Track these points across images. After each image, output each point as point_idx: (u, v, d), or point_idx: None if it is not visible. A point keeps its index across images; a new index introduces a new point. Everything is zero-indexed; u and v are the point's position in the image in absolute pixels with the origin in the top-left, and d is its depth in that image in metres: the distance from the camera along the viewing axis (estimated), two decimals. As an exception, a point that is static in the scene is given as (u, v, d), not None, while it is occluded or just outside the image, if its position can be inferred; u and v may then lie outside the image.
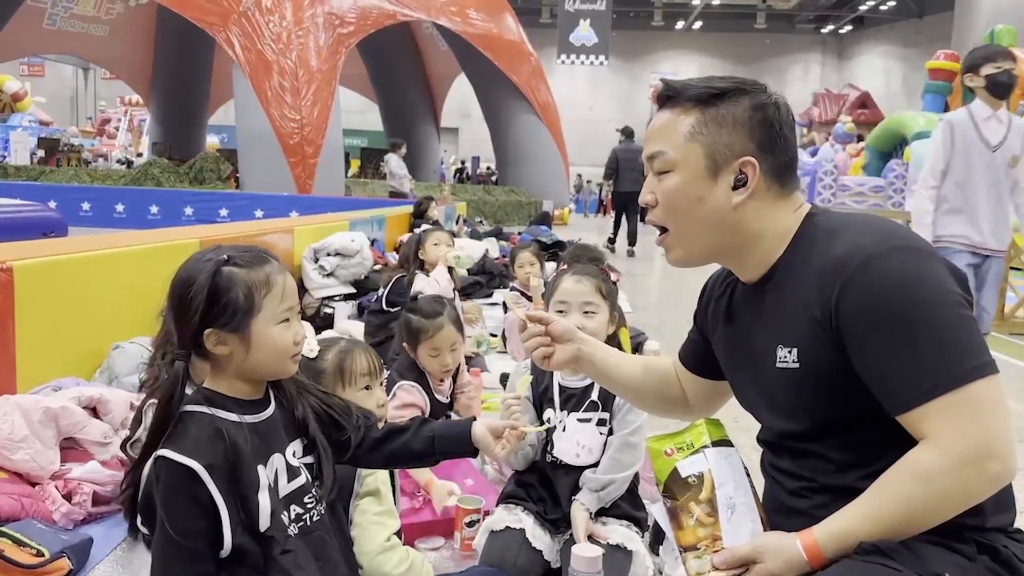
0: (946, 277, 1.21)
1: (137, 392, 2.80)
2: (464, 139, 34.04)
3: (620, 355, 1.72)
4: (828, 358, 1.25)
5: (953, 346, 1.16)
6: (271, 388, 1.46)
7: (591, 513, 1.99)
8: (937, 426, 1.15)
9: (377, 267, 5.75)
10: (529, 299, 4.16)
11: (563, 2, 23.39)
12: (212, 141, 22.43)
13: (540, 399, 2.15)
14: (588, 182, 27.14)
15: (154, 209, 12.77)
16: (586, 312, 2.09)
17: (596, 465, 2.05)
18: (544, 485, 2.10)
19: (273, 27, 13.24)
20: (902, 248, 1.22)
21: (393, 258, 6.47)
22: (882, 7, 31.16)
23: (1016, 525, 1.26)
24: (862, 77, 31.89)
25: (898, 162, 13.55)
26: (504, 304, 4.93)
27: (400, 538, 1.79)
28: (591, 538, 1.93)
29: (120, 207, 12.82)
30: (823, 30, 35.10)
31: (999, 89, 3.97)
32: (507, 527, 2.00)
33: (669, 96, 1.39)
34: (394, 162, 13.05)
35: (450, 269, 4.36)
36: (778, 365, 1.33)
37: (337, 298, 5.15)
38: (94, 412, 2.55)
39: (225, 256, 1.37)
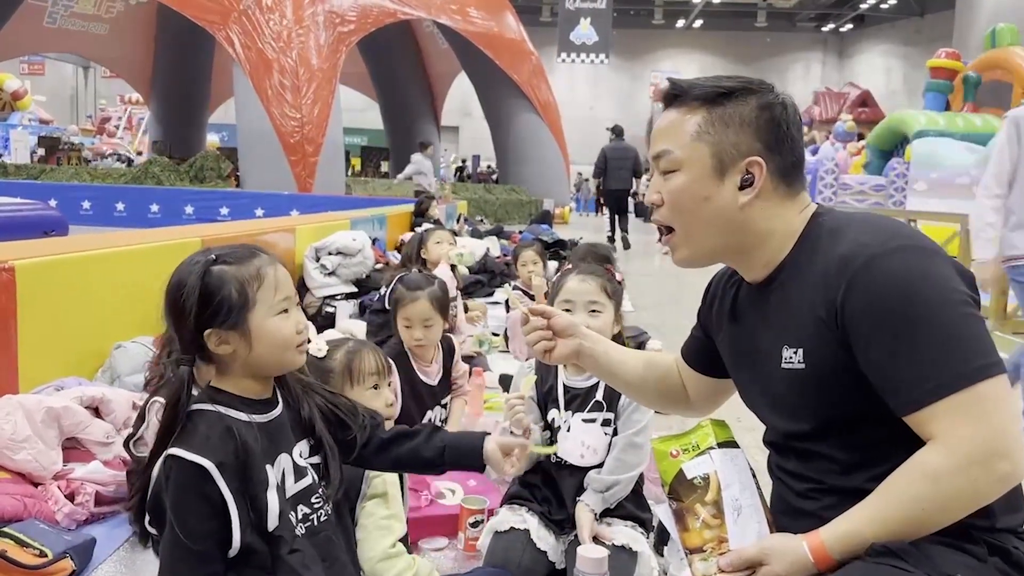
0: (952, 275, 1.20)
1: (141, 391, 2.80)
2: (464, 138, 34.01)
3: (622, 350, 1.71)
4: (834, 358, 1.25)
5: (959, 345, 1.16)
6: (277, 388, 1.46)
7: (596, 514, 1.98)
8: (944, 426, 1.15)
9: (378, 266, 5.75)
10: (532, 298, 4.19)
11: (563, 0, 23.36)
12: (212, 140, 22.41)
13: (544, 399, 2.15)
14: (586, 180, 27.11)
15: (155, 208, 12.76)
16: (592, 311, 2.09)
17: (601, 466, 2.05)
18: (548, 485, 2.09)
19: (273, 25, 13.23)
20: (907, 247, 1.21)
21: (394, 257, 6.47)
22: (883, 5, 31.12)
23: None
24: (863, 75, 31.86)
25: (899, 161, 13.52)
26: (507, 303, 4.92)
27: (407, 541, 1.78)
28: (596, 539, 1.93)
29: (121, 206, 12.81)
30: (824, 28, 35.07)
31: None
32: (511, 528, 1.99)
33: (676, 95, 1.39)
34: (419, 161, 13.10)
35: (452, 267, 4.36)
36: (783, 365, 1.32)
37: (339, 297, 5.14)
38: (96, 412, 2.55)
39: (213, 256, 1.37)
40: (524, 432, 2.04)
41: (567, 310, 2.08)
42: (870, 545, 1.16)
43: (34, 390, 2.63)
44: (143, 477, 1.33)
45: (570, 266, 2.24)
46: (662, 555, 2.05)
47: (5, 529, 1.97)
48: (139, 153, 22.84)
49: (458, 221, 10.75)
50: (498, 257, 7.71)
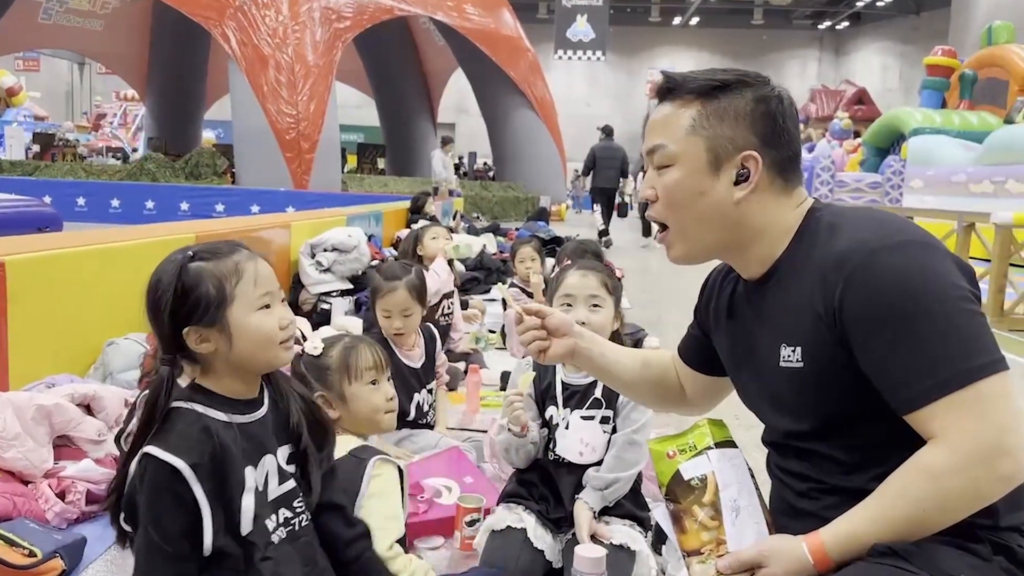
0: (952, 271, 1.18)
1: (135, 388, 2.77)
2: (461, 135, 33.88)
3: (618, 349, 1.69)
4: (833, 356, 1.22)
5: (961, 342, 1.14)
6: (266, 388, 1.43)
7: (595, 512, 1.96)
8: (946, 425, 1.12)
9: (374, 263, 5.72)
10: (529, 295, 4.16)
11: (560, -3, 23.35)
12: (208, 136, 22.32)
13: (542, 396, 2.13)
14: (580, 176, 27.05)
15: (150, 204, 12.72)
16: (592, 306, 2.07)
17: (599, 464, 2.03)
18: (546, 484, 2.07)
19: (269, 22, 13.18)
20: (906, 242, 1.19)
21: (390, 254, 6.44)
22: (879, 3, 31.14)
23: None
24: (859, 73, 31.89)
25: (895, 158, 13.53)
26: (503, 301, 4.90)
27: (404, 541, 1.76)
28: (594, 538, 1.91)
29: (116, 202, 12.76)
30: (820, 26, 35.08)
31: None
32: (508, 526, 1.98)
33: (670, 88, 1.36)
34: (438, 159, 13.09)
35: (450, 262, 4.34)
36: (782, 364, 1.30)
37: (334, 294, 5.12)
38: (88, 409, 2.52)
39: (190, 253, 1.35)
40: (522, 429, 2.02)
41: (567, 305, 2.06)
42: (872, 545, 1.14)
43: (25, 387, 2.60)
44: (120, 474, 1.31)
45: (568, 262, 2.21)
46: (660, 554, 2.03)
47: (-6, 528, 1.95)
48: (134, 150, 22.75)
49: (454, 218, 10.73)
50: (495, 254, 7.69)
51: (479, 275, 6.87)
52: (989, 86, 13.67)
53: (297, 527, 1.40)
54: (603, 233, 12.49)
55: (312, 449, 1.44)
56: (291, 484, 1.41)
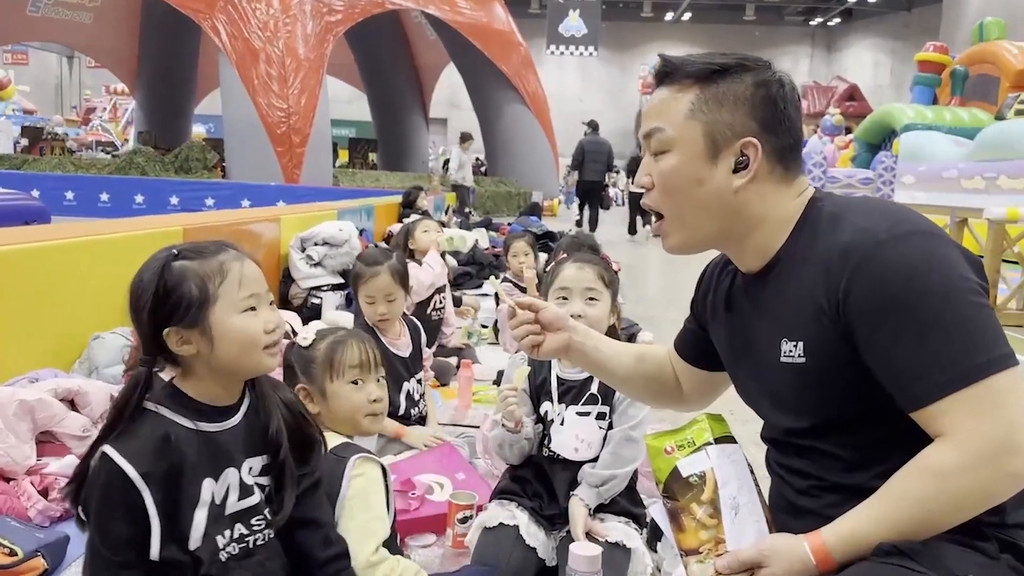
0: (959, 262, 1.14)
1: (120, 383, 2.72)
2: (453, 129, 33.84)
3: (613, 343, 1.65)
4: (836, 351, 1.18)
5: (969, 337, 1.10)
6: (250, 394, 1.39)
7: (590, 509, 1.93)
8: (954, 422, 1.09)
9: (365, 257, 5.67)
10: (522, 290, 4.13)
11: (553, -8, 23.30)
12: (199, 131, 22.20)
13: (537, 392, 2.09)
14: (571, 172, 26.99)
15: (139, 198, 12.63)
16: (589, 299, 2.03)
17: (595, 460, 2.00)
18: (540, 480, 2.04)
19: (260, 15, 13.10)
20: (912, 233, 1.15)
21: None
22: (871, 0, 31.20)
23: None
24: (850, 70, 31.93)
25: (887, 154, 13.52)
26: (496, 295, 4.87)
27: (396, 539, 1.70)
28: (589, 535, 1.88)
29: (105, 196, 12.67)
30: (812, 22, 35.11)
31: None
32: (500, 523, 1.94)
33: (667, 72, 1.31)
34: (456, 156, 13.05)
35: (442, 255, 4.30)
36: (783, 359, 1.26)
37: (325, 288, 5.07)
38: (72, 405, 2.48)
39: (175, 251, 1.31)
40: (516, 424, 1.98)
41: (563, 298, 2.03)
42: (878, 545, 1.11)
43: (7, 382, 2.56)
44: (83, 465, 1.26)
45: (564, 255, 2.17)
46: (656, 551, 2.00)
47: (-26, 527, 1.91)
48: (124, 142, 22.61)
49: (447, 213, 10.70)
50: (487, 249, 7.66)
51: (471, 270, 6.83)
52: (980, 82, 13.67)
53: (252, 545, 1.35)
54: (578, 223, 12.80)
55: (291, 463, 1.39)
56: (253, 500, 1.36)
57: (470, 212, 8.19)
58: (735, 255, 1.38)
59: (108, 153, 19.44)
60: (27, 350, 2.80)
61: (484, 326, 4.88)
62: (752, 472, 1.36)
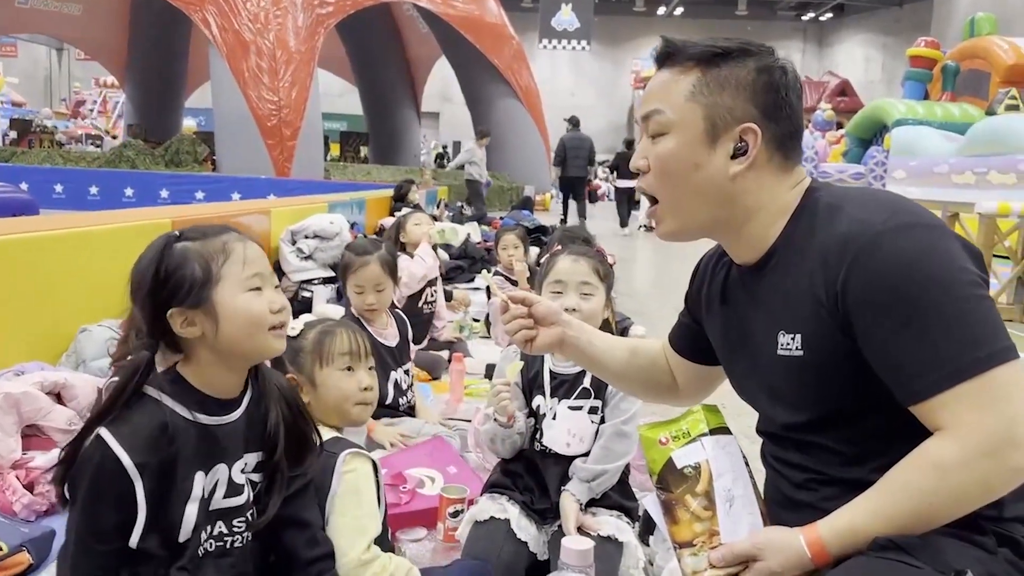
0: (959, 254, 1.12)
1: (107, 376, 2.69)
2: (444, 123, 33.80)
3: (607, 338, 1.62)
4: (834, 344, 1.16)
5: (970, 329, 1.08)
6: (252, 388, 1.36)
7: (581, 504, 1.92)
8: (954, 416, 1.07)
9: (356, 250, 5.64)
10: (513, 283, 4.11)
11: (545, -14, 23.23)
12: (189, 124, 22.09)
13: (530, 385, 2.07)
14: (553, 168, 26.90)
15: (129, 192, 12.55)
16: (583, 293, 2.01)
17: (586, 455, 1.98)
18: (531, 474, 2.02)
19: (251, 7, 13.03)
20: (911, 224, 1.13)
21: (373, 242, 6.36)
22: (863, -6, 31.23)
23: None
24: (842, 65, 31.99)
25: (878, 149, 13.55)
26: (487, 289, 4.85)
27: (387, 534, 1.68)
28: (580, 529, 1.86)
29: (94, 189, 12.60)
30: (804, 17, 35.13)
31: None
32: (491, 517, 1.93)
33: (669, 54, 1.29)
34: (472, 150, 12.98)
35: (433, 248, 4.28)
36: (780, 352, 1.24)
37: (316, 282, 5.04)
38: (58, 398, 2.44)
39: (176, 233, 1.29)
40: (508, 419, 1.96)
41: (557, 292, 2.01)
42: (874, 538, 1.09)
43: (-7, 375, 2.52)
44: (74, 445, 1.24)
45: (559, 247, 2.14)
46: (647, 545, 1.99)
47: (-42, 521, 1.88)
48: (113, 137, 22.47)
49: (438, 206, 10.67)
50: (479, 243, 7.64)
51: (463, 264, 6.81)
52: (971, 77, 13.71)
53: (228, 545, 1.33)
54: (563, 222, 12.83)
55: (284, 464, 1.37)
56: (239, 500, 1.33)
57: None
58: (730, 246, 1.36)
59: (97, 147, 19.31)
60: (13, 343, 2.77)
61: (476, 320, 4.86)
62: (747, 463, 1.34)
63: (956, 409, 1.07)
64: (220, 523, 1.31)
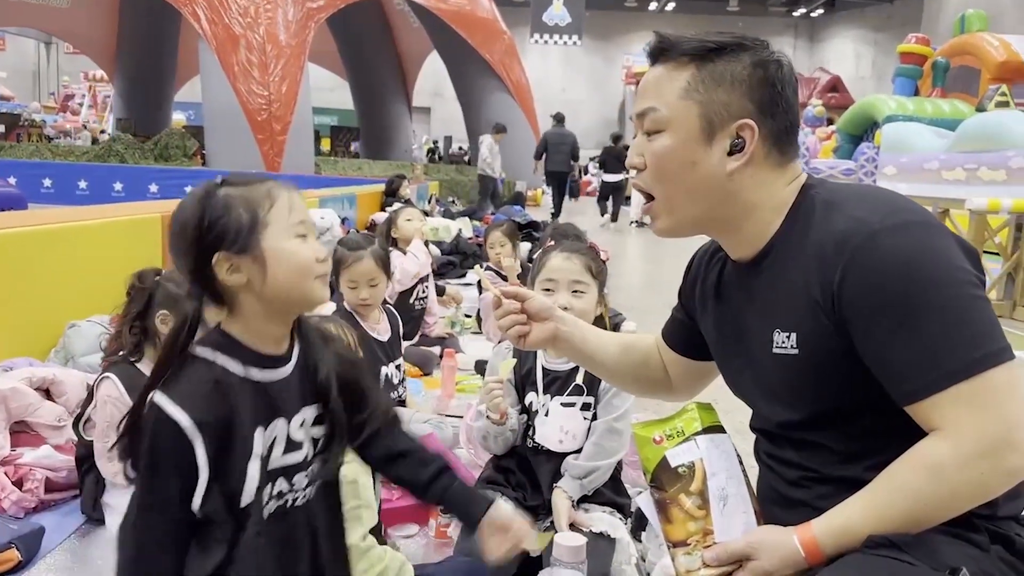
0: (956, 253, 1.12)
1: (96, 372, 2.67)
2: (436, 119, 33.73)
3: (600, 334, 1.62)
4: (829, 343, 1.16)
5: (967, 330, 1.07)
6: (298, 341, 1.31)
7: (573, 501, 1.91)
8: (951, 417, 1.07)
9: (347, 246, 5.61)
10: (504, 279, 4.10)
11: (537, -19, 23.17)
12: (178, 118, 21.95)
13: (522, 382, 2.06)
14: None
15: (118, 186, 12.48)
16: (575, 292, 2.00)
17: (578, 451, 1.97)
18: (524, 470, 2.02)
19: (241, 1, 12.94)
20: (908, 223, 1.12)
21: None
22: (853, -10, 31.29)
23: (1026, 512, 1.19)
24: (833, 61, 32.07)
25: (869, 145, 13.57)
26: (479, 284, 4.84)
27: (380, 529, 1.68)
28: (573, 526, 1.85)
29: (83, 184, 12.52)
30: (795, 13, 35.17)
31: None
32: (484, 514, 1.92)
33: (663, 49, 1.28)
34: (487, 145, 12.95)
35: (425, 244, 4.27)
36: (775, 351, 1.23)
37: (306, 277, 5.02)
38: (47, 394, 2.43)
39: (219, 179, 1.24)
40: (501, 416, 1.96)
41: (548, 290, 1.99)
42: (868, 536, 1.09)
43: (-19, 371, 2.50)
44: (133, 414, 1.18)
45: (551, 243, 2.13)
46: (640, 541, 1.98)
47: (-54, 519, 1.86)
48: (102, 132, 22.33)
49: (430, 202, 10.64)
50: (470, 238, 7.62)
51: (455, 259, 6.80)
52: (961, 74, 13.73)
53: (288, 504, 1.28)
54: (555, 216, 12.99)
55: (341, 413, 1.32)
56: (298, 456, 1.28)
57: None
58: (726, 242, 1.35)
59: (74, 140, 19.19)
60: (1, 339, 2.75)
61: (467, 316, 4.84)
62: (741, 462, 1.34)
63: (952, 410, 1.07)
64: (281, 480, 1.26)
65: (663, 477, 1.34)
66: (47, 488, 2.17)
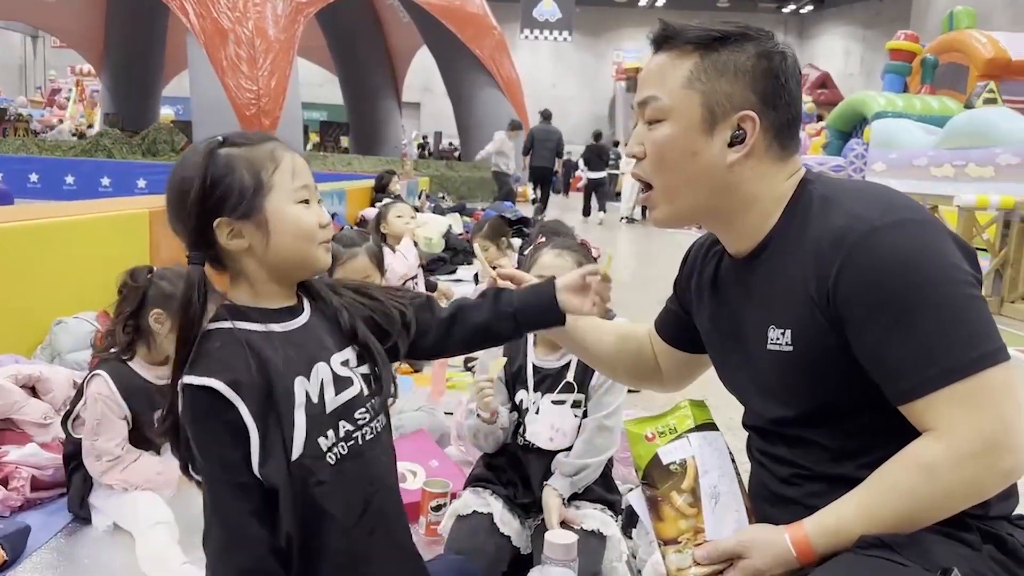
0: (953, 252, 1.11)
1: (83, 369, 2.65)
2: (426, 114, 33.66)
3: (594, 322, 1.61)
4: (824, 340, 1.15)
5: (963, 329, 1.07)
6: (306, 296, 1.29)
7: (564, 498, 1.91)
8: (945, 417, 1.06)
9: (337, 241, 5.59)
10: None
11: (527, -24, 23.15)
12: (167, 112, 21.83)
13: (513, 380, 2.05)
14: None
15: (106, 181, 12.42)
16: None
17: (569, 449, 1.97)
18: (514, 468, 2.01)
19: (230, -6, 12.86)
20: (906, 220, 1.11)
21: (354, 233, 6.32)
22: (843, -13, 31.39)
23: (1018, 512, 1.19)
24: (822, 57, 32.14)
25: (858, 142, 13.61)
26: (475, 276, 4.82)
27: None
28: (564, 523, 1.85)
29: (70, 179, 12.46)
30: (785, 9, 35.25)
31: None
32: (474, 511, 1.92)
33: (667, 37, 1.26)
34: (502, 141, 12.90)
35: (415, 243, 4.26)
36: (769, 347, 1.22)
37: (296, 273, 5.00)
38: (33, 391, 2.41)
39: (220, 138, 1.20)
40: (492, 415, 1.95)
41: None
42: (860, 536, 1.08)
43: (-34, 369, 2.48)
44: (171, 404, 1.16)
45: (542, 239, 2.12)
46: (630, 538, 1.98)
47: (-70, 518, 1.84)
48: (89, 126, 22.17)
49: (420, 197, 10.62)
50: (460, 234, 7.61)
51: (445, 255, 6.78)
52: (950, 71, 13.79)
53: (360, 441, 1.26)
54: (539, 210, 13.00)
55: (375, 344, 1.30)
56: (352, 392, 1.26)
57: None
58: (724, 235, 1.34)
59: (73, 135, 19.03)
60: (-14, 335, 2.72)
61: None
62: (733, 460, 1.34)
63: (947, 410, 1.06)
64: (343, 422, 1.24)
65: (655, 474, 1.33)
66: (33, 486, 2.15)
